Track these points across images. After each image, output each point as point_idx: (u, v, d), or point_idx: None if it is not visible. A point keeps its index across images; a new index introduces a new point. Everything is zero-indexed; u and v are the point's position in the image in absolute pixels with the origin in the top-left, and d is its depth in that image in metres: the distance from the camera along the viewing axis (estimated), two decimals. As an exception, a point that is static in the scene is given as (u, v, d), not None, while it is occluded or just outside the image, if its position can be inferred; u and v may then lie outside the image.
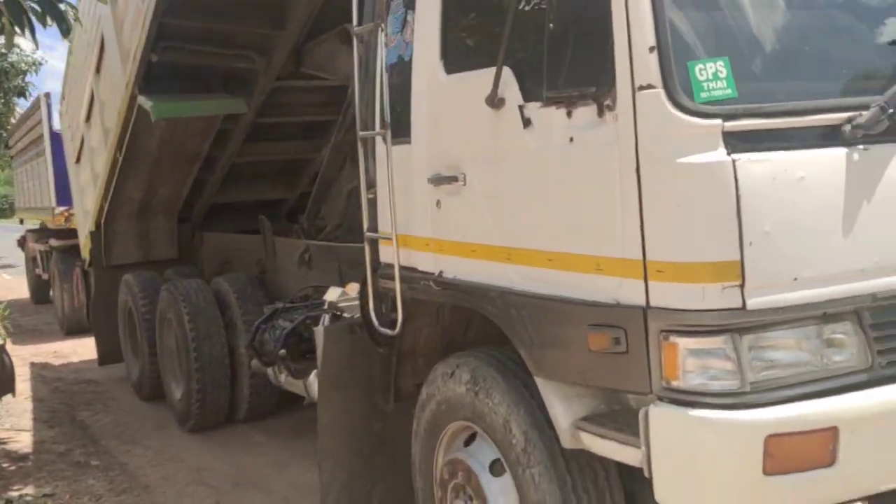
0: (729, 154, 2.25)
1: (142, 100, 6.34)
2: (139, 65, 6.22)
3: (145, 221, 8.20)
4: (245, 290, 6.51)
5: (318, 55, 6.41)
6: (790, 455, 2.25)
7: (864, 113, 2.33)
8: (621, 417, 2.70)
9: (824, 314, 2.35)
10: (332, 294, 4.45)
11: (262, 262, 6.99)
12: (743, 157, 2.24)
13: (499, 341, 3.18)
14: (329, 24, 6.16)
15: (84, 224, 8.88)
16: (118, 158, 7.27)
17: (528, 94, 2.73)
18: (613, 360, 2.49)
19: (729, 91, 2.28)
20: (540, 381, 2.82)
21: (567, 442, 2.77)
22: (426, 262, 3.35)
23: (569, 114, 2.57)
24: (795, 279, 2.28)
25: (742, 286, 2.25)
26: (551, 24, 2.58)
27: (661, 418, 2.36)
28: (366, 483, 4.02)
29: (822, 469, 2.29)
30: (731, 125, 2.26)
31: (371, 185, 3.74)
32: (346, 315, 4.36)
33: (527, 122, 2.73)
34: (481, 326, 3.59)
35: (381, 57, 3.36)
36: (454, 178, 3.11)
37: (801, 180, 2.29)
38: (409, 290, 3.43)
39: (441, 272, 3.26)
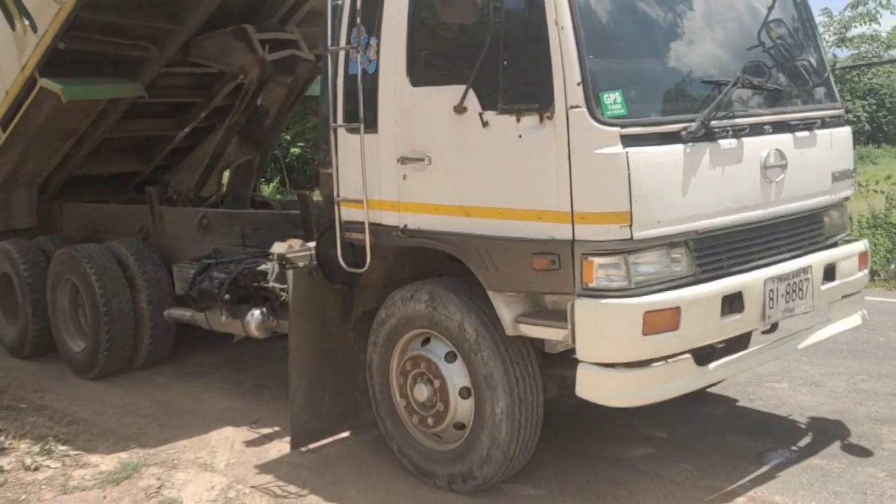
0: (624, 148, 3.86)
1: (46, 82, 7.01)
2: (45, 50, 6.90)
3: (7, 192, 8.64)
4: (141, 253, 7.38)
5: (208, 47, 7.40)
6: (655, 323, 3.92)
7: (691, 125, 4.03)
8: (544, 314, 4.28)
9: (670, 242, 4.03)
10: (279, 248, 5.63)
11: (145, 229, 7.82)
12: (631, 150, 3.86)
13: (428, 275, 4.66)
14: (219, 21, 7.21)
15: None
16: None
17: (485, 105, 4.19)
18: (550, 275, 4.05)
19: (623, 111, 3.90)
20: (491, 294, 4.32)
21: (510, 331, 4.30)
22: (391, 218, 4.72)
23: (518, 119, 4.07)
24: (658, 221, 3.94)
25: (630, 226, 3.87)
26: (505, 62, 4.07)
27: (582, 306, 3.95)
28: (320, 389, 5.32)
29: (672, 331, 3.97)
30: (624, 131, 3.87)
31: (329, 165, 5.03)
32: (292, 264, 5.58)
33: (485, 124, 4.19)
34: (412, 266, 5.04)
35: (360, 69, 4.64)
36: (420, 160, 4.51)
37: (662, 164, 3.95)
38: (375, 239, 4.78)
39: (406, 225, 4.65)
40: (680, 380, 4.13)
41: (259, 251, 6.52)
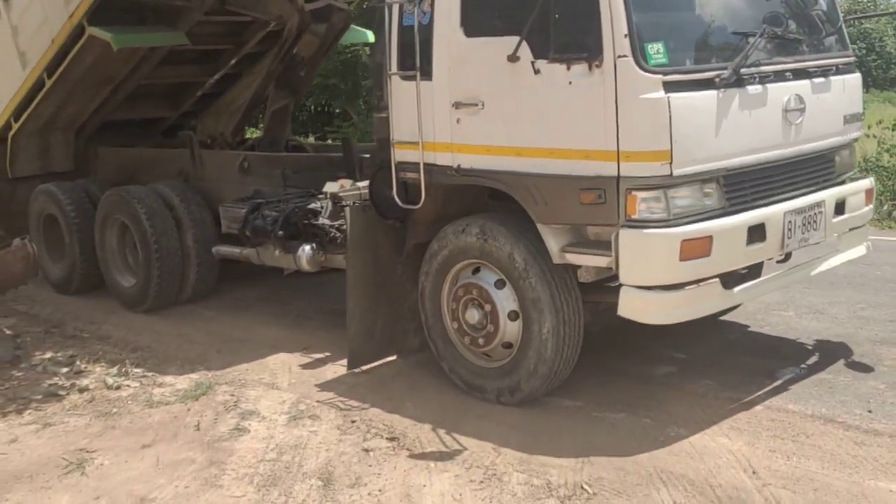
0: (665, 93, 4.33)
1: (95, 30, 7.38)
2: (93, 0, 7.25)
3: (45, 136, 9.02)
4: (186, 194, 7.83)
5: (245, -4, 7.76)
6: (690, 250, 4.43)
7: (724, 72, 4.51)
8: (587, 243, 4.79)
9: (703, 179, 4.53)
10: (331, 187, 6.11)
11: (184, 172, 8.24)
12: (672, 95, 4.34)
13: (471, 211, 5.20)
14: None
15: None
16: (45, 80, 8.15)
17: (537, 54, 4.64)
18: (596, 208, 4.55)
19: (665, 60, 4.36)
20: (540, 226, 4.82)
21: (556, 259, 4.81)
22: (444, 159, 5.19)
23: (568, 67, 4.53)
24: (694, 160, 4.43)
25: (671, 164, 4.36)
26: (557, 16, 4.52)
27: (626, 235, 4.46)
28: (373, 315, 5.83)
29: (704, 258, 4.50)
30: (666, 78, 4.34)
31: (384, 110, 5.48)
32: (345, 202, 6.05)
33: (537, 72, 4.64)
34: (458, 203, 5.52)
35: (417, 21, 5.06)
36: (473, 104, 4.97)
37: (698, 108, 4.43)
38: (429, 178, 5.25)
39: (459, 165, 5.12)
40: (709, 301, 4.67)
41: (301, 191, 7.00)
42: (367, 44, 10.39)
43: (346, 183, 6.10)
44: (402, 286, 5.88)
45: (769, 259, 5.24)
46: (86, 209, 8.38)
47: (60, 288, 8.60)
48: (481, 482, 4.26)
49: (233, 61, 9.22)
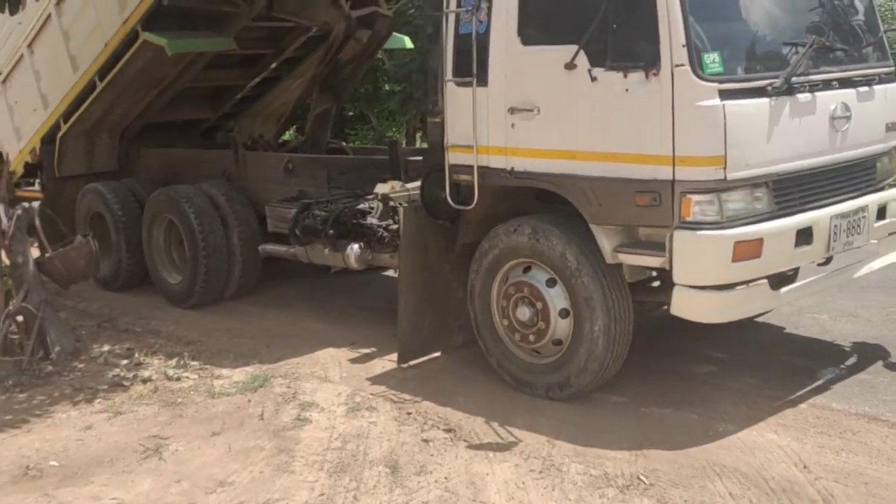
0: (721, 101, 4.52)
1: (150, 36, 7.62)
2: (149, 6, 7.49)
3: (91, 137, 9.27)
4: (231, 194, 8.05)
5: (291, 2, 8.01)
6: (743, 251, 4.62)
7: (776, 81, 4.70)
8: (639, 244, 4.98)
9: (754, 183, 4.72)
10: (383, 188, 6.31)
11: (227, 173, 8.46)
12: (727, 103, 4.53)
13: (519, 212, 5.38)
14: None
15: (13, 139, 9.70)
16: (96, 83, 8.39)
17: (594, 62, 4.83)
18: (650, 210, 4.74)
19: (721, 69, 4.56)
20: (593, 227, 5.01)
21: (609, 259, 5.00)
22: (498, 162, 5.38)
23: (625, 75, 4.72)
24: (747, 165, 4.62)
25: (725, 168, 4.55)
26: (615, 26, 4.71)
27: (680, 236, 4.65)
28: (422, 312, 6.02)
29: (755, 259, 4.68)
30: (722, 86, 4.54)
31: (438, 115, 5.69)
32: (394, 203, 6.26)
33: (594, 79, 4.84)
34: (506, 204, 5.71)
35: (474, 29, 5.27)
36: (529, 110, 5.17)
37: (751, 115, 4.62)
38: (482, 180, 5.45)
39: (513, 168, 5.32)
40: (758, 301, 4.87)
41: (347, 192, 7.21)
42: (400, 49, 10.65)
43: (397, 184, 6.30)
44: (448, 284, 6.08)
45: (811, 262, 5.41)
46: (132, 208, 8.62)
47: (106, 284, 8.83)
48: (541, 472, 4.45)
49: (273, 65, 9.48)
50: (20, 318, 6.20)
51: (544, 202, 5.66)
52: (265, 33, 9.01)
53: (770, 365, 5.85)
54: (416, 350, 6.08)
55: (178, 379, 5.91)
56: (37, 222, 6.42)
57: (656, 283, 5.59)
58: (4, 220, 6.14)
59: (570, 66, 4.88)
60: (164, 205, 8.06)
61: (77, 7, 8.38)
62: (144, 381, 5.89)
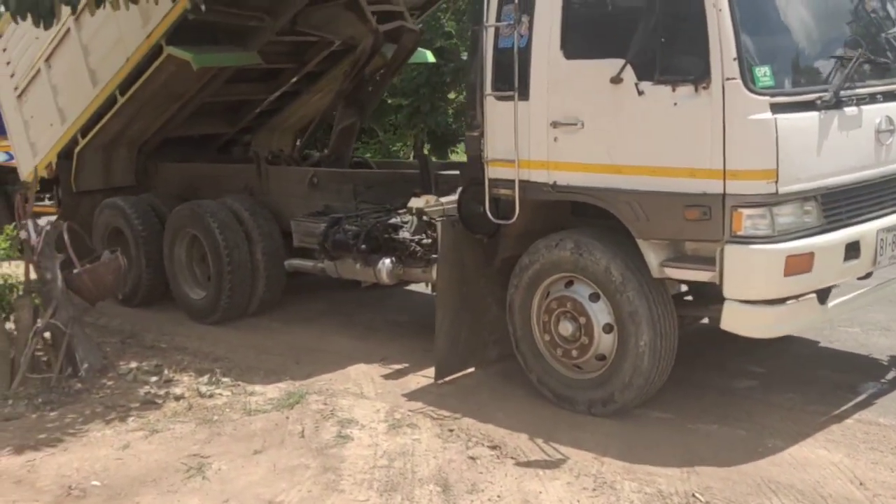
0: (773, 114, 4.50)
1: (175, 50, 7.56)
2: (175, 21, 7.44)
3: (109, 151, 9.21)
4: (254, 208, 8.00)
5: (316, 17, 7.98)
6: (794, 266, 4.58)
7: (825, 94, 4.68)
8: (687, 258, 4.94)
9: (804, 197, 4.68)
10: (417, 203, 6.27)
11: (249, 187, 8.40)
12: (779, 116, 4.50)
13: (555, 227, 5.35)
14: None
15: (28, 154, 9.63)
16: (116, 98, 8.33)
17: (641, 76, 4.80)
18: (700, 224, 4.70)
19: (772, 82, 4.53)
20: (640, 241, 4.97)
21: (656, 274, 4.96)
22: (540, 176, 5.34)
23: (673, 89, 4.69)
24: (798, 178, 4.59)
25: (776, 182, 4.52)
26: (663, 39, 4.68)
27: (731, 251, 4.61)
28: (458, 327, 5.97)
29: (806, 273, 4.64)
30: (773, 100, 4.51)
31: (476, 128, 5.65)
32: (427, 218, 6.22)
33: (641, 93, 4.81)
34: (545, 219, 5.67)
35: (515, 43, 5.24)
36: (572, 124, 5.13)
37: (801, 128, 4.59)
38: (524, 194, 5.41)
39: (555, 182, 5.28)
40: (807, 315, 4.82)
41: (375, 206, 7.16)
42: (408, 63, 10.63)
43: (431, 198, 6.26)
44: (483, 299, 6.03)
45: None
46: (152, 222, 8.57)
47: (125, 300, 8.74)
48: (594, 489, 4.39)
49: (293, 80, 9.45)
50: (47, 335, 6.11)
51: (580, 216, 5.63)
52: (287, 48, 8.98)
53: (811, 379, 5.81)
54: (453, 366, 6.02)
55: (211, 396, 5.83)
56: (66, 238, 6.34)
57: (688, 298, 5.56)
58: (33, 235, 6.05)
59: (616, 80, 4.85)
60: (188, 219, 7.99)
61: (98, 21, 8.28)
62: (177, 398, 5.81)
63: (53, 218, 9.02)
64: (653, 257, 4.94)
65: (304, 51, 9.08)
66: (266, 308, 8.04)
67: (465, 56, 13.29)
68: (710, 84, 4.55)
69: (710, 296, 5.15)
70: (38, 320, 6.09)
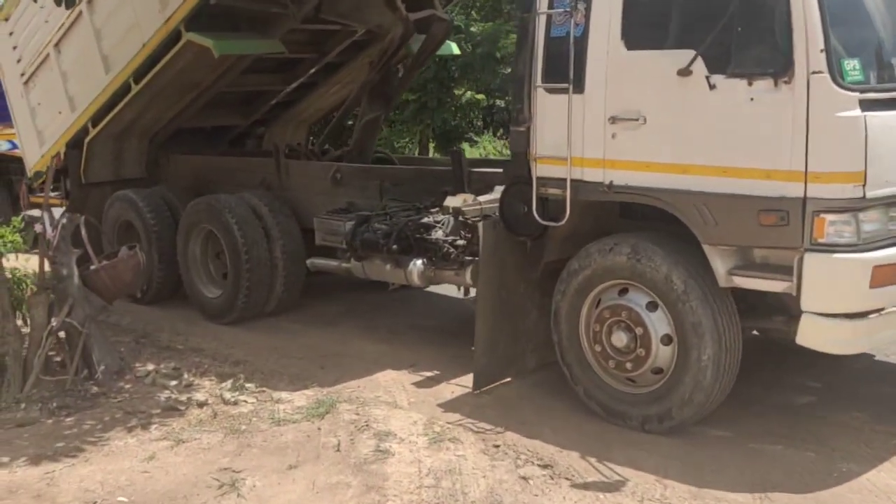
0: (862, 112, 4.14)
1: (195, 36, 7.18)
2: (195, 5, 7.06)
3: (120, 142, 8.82)
4: (274, 204, 7.62)
5: (342, 5, 7.60)
6: (882, 277, 4.22)
7: (916, 92, 4.33)
8: (758, 266, 4.58)
9: (890, 202, 4.32)
10: (454, 202, 5.89)
11: (266, 182, 8.02)
12: (868, 114, 4.14)
13: (603, 229, 5.01)
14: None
15: (34, 142, 9.24)
16: (130, 85, 7.95)
17: (712, 69, 4.44)
18: (776, 230, 4.33)
19: (861, 77, 4.17)
20: (706, 247, 4.61)
21: (723, 283, 4.60)
22: (594, 175, 4.98)
23: (749, 83, 4.33)
24: (886, 181, 4.23)
25: (864, 185, 4.16)
26: (739, 29, 4.32)
27: (812, 260, 4.25)
28: (497, 335, 5.60)
29: (893, 285, 4.29)
30: (863, 96, 4.15)
31: (522, 123, 5.28)
32: (464, 218, 5.85)
33: (712, 87, 4.45)
34: (594, 221, 5.31)
35: (571, 32, 4.87)
36: (633, 119, 4.77)
37: (891, 127, 4.24)
38: (575, 194, 5.04)
39: (612, 182, 4.92)
40: (889, 330, 4.46)
41: (405, 204, 6.78)
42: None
43: (469, 197, 5.89)
44: (522, 305, 5.67)
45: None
46: (165, 216, 8.20)
47: (136, 297, 8.36)
48: (662, 516, 4.03)
49: (312, 70, 9.06)
50: (62, 335, 5.73)
51: (629, 219, 5.28)
52: (307, 37, 8.57)
53: (872, 396, 5.47)
54: (492, 375, 5.67)
55: (236, 403, 5.46)
56: (83, 232, 5.95)
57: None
58: (49, 229, 5.66)
59: (685, 72, 4.49)
60: (204, 214, 7.61)
61: (112, 4, 7.94)
62: (200, 404, 5.44)
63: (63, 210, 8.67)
64: (720, 265, 4.58)
65: (324, 40, 8.68)
66: (283, 308, 7.66)
67: (466, 51, 12.93)
68: (792, 78, 4.19)
69: (760, 306, 4.81)
70: (53, 319, 5.70)
